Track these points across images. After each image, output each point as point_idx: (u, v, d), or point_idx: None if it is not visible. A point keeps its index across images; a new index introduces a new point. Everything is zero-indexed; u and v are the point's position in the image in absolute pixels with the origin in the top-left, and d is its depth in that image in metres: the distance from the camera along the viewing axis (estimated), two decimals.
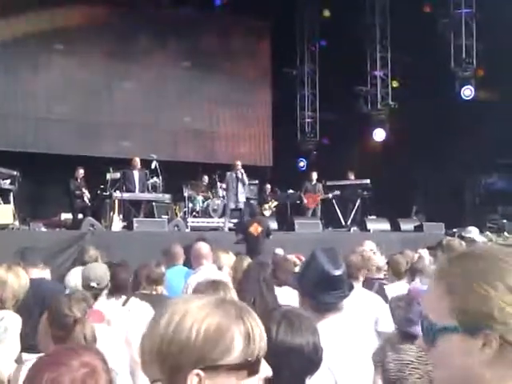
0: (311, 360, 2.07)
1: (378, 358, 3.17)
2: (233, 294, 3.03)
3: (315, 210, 15.84)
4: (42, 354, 1.89)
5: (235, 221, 13.86)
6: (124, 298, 4.75)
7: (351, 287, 2.90)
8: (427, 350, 1.18)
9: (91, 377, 1.67)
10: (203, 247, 6.11)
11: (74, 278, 5.42)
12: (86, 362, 1.70)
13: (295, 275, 3.15)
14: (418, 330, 3.08)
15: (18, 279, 4.26)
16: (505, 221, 14.46)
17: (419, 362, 3.07)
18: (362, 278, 5.05)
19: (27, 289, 4.33)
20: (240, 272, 5.32)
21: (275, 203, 16.96)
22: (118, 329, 4.02)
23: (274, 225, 13.25)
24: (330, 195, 15.89)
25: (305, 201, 15.86)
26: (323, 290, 2.74)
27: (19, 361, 3.89)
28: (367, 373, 2.70)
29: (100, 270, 4.77)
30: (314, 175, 16.25)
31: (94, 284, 4.56)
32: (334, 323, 2.68)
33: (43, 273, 5.74)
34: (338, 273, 2.79)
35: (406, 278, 5.50)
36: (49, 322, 3.15)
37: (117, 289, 4.79)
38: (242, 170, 13.99)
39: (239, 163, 14.26)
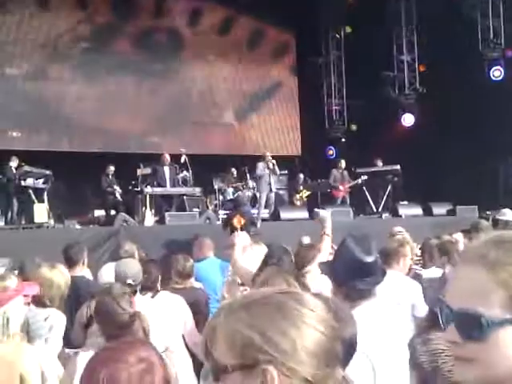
0: (352, 351, 2.09)
1: (410, 348, 3.17)
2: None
3: (344, 199, 15.79)
4: (97, 351, 1.89)
5: (267, 211, 13.98)
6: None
7: (384, 273, 2.88)
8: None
9: (149, 372, 1.66)
10: (244, 238, 6.13)
11: (107, 273, 5.44)
12: (143, 357, 1.68)
13: (326, 263, 3.13)
14: None
15: (63, 277, 4.33)
16: None
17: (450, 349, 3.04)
18: (400, 265, 5.03)
19: (69, 286, 4.40)
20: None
21: (307, 193, 16.92)
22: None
23: (305, 214, 13.23)
24: (360, 181, 15.76)
25: (339, 190, 15.78)
26: (355, 277, 2.73)
27: (61, 356, 3.97)
28: (404, 359, 2.70)
29: (135, 266, 4.74)
30: (342, 163, 16.15)
31: (130, 281, 4.47)
32: (368, 310, 2.68)
33: (84, 271, 5.83)
34: (369, 259, 2.78)
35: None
36: (100, 322, 3.18)
37: (149, 285, 4.84)
38: (274, 161, 14.07)
39: (269, 154, 14.34)
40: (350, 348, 2.09)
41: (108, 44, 18.01)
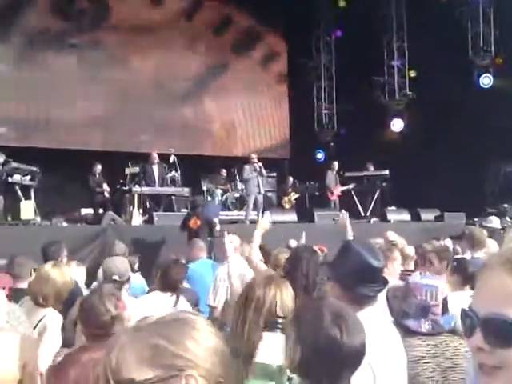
0: (360, 358, 2.06)
1: None
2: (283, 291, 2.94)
3: (335, 202, 15.81)
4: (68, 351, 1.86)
5: (255, 213, 13.98)
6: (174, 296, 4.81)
7: (386, 281, 2.86)
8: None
9: None
10: (233, 240, 6.13)
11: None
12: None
13: (329, 266, 3.07)
14: (411, 323, 3.06)
15: (62, 277, 4.26)
16: (506, 205, 14.30)
17: (430, 355, 3.04)
18: (389, 269, 4.99)
19: (72, 287, 4.33)
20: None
21: (296, 196, 16.91)
22: None
23: (293, 217, 13.22)
24: (351, 186, 15.84)
25: (332, 193, 15.83)
26: (363, 281, 2.69)
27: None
28: (402, 365, 2.67)
29: (122, 264, 4.76)
30: (335, 165, 16.24)
31: (116, 277, 4.52)
32: (370, 316, 2.64)
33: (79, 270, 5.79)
34: (380, 265, 2.77)
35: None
36: (83, 320, 3.13)
37: (169, 286, 4.84)
38: (260, 164, 14.06)
39: (255, 156, 14.33)
40: (359, 355, 2.08)
41: (99, 42, 17.82)
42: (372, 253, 2.75)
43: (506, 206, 14.17)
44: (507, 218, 12.56)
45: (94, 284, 5.68)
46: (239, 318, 2.69)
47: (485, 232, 6.71)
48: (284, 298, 2.75)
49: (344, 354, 1.99)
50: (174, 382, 1.21)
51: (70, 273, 4.43)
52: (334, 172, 16.14)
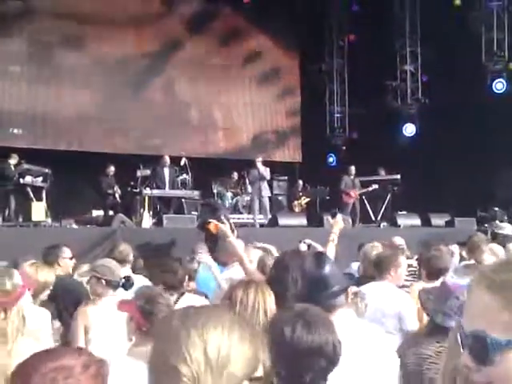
0: (330, 359, 2.05)
1: (399, 352, 3.09)
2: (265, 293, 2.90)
3: (354, 205, 15.70)
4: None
5: (261, 216, 13.95)
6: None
7: (344, 288, 2.79)
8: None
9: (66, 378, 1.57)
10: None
11: None
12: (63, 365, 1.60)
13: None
14: (451, 323, 3.00)
15: (33, 276, 4.21)
16: (496, 209, 14.20)
17: (438, 357, 3.01)
18: (392, 276, 4.99)
19: (48, 288, 4.31)
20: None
21: (306, 200, 16.89)
22: None
23: (303, 221, 13.20)
24: (370, 189, 15.76)
25: (349, 195, 15.71)
26: (313, 291, 2.62)
27: None
28: (389, 369, 2.65)
29: (111, 266, 4.79)
30: (353, 169, 16.12)
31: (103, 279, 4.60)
32: (344, 319, 2.61)
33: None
34: (322, 271, 2.71)
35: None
36: (146, 314, 3.22)
37: (171, 285, 4.85)
38: (263, 167, 14.07)
39: (260, 159, 14.34)
40: (333, 354, 2.06)
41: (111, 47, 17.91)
42: (316, 261, 2.71)
43: (496, 209, 14.12)
44: (497, 222, 12.50)
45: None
46: None
47: (484, 238, 6.65)
48: (267, 300, 2.74)
49: (294, 352, 1.96)
50: None
51: (47, 275, 4.39)
52: (352, 176, 16.01)
